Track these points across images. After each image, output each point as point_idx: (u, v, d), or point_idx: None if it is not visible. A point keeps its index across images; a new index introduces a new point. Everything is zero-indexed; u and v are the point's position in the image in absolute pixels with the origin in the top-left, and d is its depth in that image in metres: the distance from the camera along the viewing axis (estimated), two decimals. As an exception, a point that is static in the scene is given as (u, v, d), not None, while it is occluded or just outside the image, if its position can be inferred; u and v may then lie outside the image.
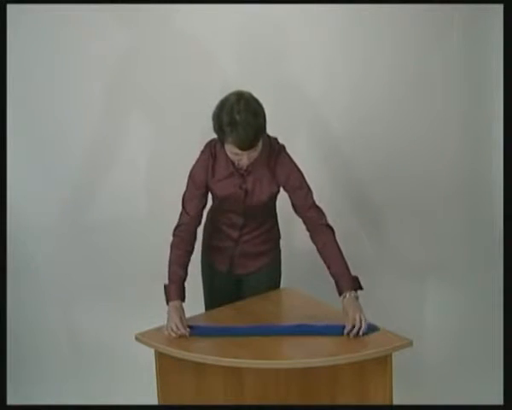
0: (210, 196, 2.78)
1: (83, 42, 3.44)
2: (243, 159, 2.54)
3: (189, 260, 2.71)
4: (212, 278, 2.92)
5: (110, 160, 3.58)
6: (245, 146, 2.48)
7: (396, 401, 2.52)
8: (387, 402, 2.49)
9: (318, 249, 2.66)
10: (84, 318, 3.68)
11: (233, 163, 2.63)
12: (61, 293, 3.69)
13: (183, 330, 2.53)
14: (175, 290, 2.63)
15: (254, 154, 2.55)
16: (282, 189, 2.74)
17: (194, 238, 2.75)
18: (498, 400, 3.08)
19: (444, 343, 3.62)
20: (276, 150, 2.68)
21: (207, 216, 2.87)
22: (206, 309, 2.92)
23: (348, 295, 2.55)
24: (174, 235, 2.73)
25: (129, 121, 3.55)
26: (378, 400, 2.53)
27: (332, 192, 3.60)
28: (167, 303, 2.63)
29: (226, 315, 2.70)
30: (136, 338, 2.57)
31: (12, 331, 3.47)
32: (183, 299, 2.64)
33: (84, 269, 3.67)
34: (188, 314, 2.68)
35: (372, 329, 2.51)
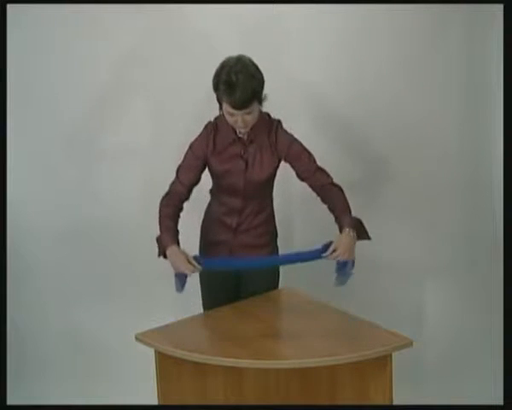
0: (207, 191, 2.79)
1: (83, 41, 3.44)
2: (238, 120, 2.60)
3: (178, 217, 2.73)
4: (210, 276, 2.92)
5: (110, 159, 3.58)
6: (237, 105, 2.55)
7: (396, 401, 2.52)
8: (387, 402, 2.49)
9: (325, 202, 2.73)
10: (85, 318, 3.68)
11: (235, 131, 2.69)
12: (61, 293, 3.69)
13: (194, 269, 2.59)
14: (170, 237, 2.65)
15: (249, 117, 2.61)
16: (282, 165, 2.78)
17: (180, 213, 2.76)
18: (498, 400, 3.08)
19: (444, 343, 3.63)
20: (274, 124, 2.76)
21: (205, 212, 2.89)
22: (205, 309, 2.91)
23: (347, 230, 2.61)
24: (162, 203, 2.75)
25: (130, 121, 3.55)
26: (378, 400, 2.53)
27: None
28: (163, 254, 2.66)
29: (225, 315, 2.71)
30: (137, 338, 2.57)
31: (12, 331, 3.47)
32: (178, 243, 2.66)
33: (84, 269, 3.67)
34: (187, 315, 2.68)
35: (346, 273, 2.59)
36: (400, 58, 3.48)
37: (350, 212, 2.69)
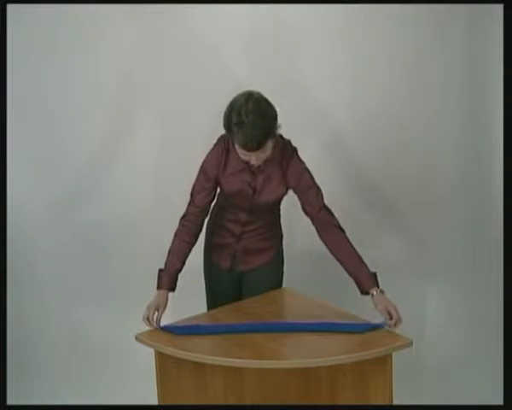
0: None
1: (84, 42, 3.44)
2: (252, 159, 2.56)
3: (189, 251, 2.74)
4: (214, 277, 2.92)
5: (111, 160, 3.58)
6: (251, 147, 2.48)
7: (396, 401, 2.52)
8: (387, 402, 2.49)
9: (330, 250, 2.66)
10: (84, 318, 3.68)
11: (245, 161, 2.64)
12: (61, 293, 3.69)
13: (150, 326, 2.59)
14: (165, 280, 2.68)
15: (263, 155, 2.56)
16: (290, 191, 2.75)
17: (200, 230, 2.78)
18: (498, 400, 3.08)
19: (444, 344, 3.62)
20: (288, 152, 2.69)
21: (210, 214, 2.87)
22: (209, 309, 2.92)
23: (375, 292, 2.57)
24: (180, 223, 2.75)
25: (130, 121, 3.55)
26: (378, 400, 2.53)
27: (332, 191, 3.60)
28: (157, 289, 2.69)
29: (226, 315, 2.70)
30: (137, 338, 2.57)
31: (12, 332, 3.47)
32: (172, 289, 2.69)
33: (83, 269, 3.67)
34: (190, 314, 2.68)
35: (375, 327, 2.53)
36: (400, 58, 3.48)
37: (365, 265, 2.61)
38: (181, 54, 3.47)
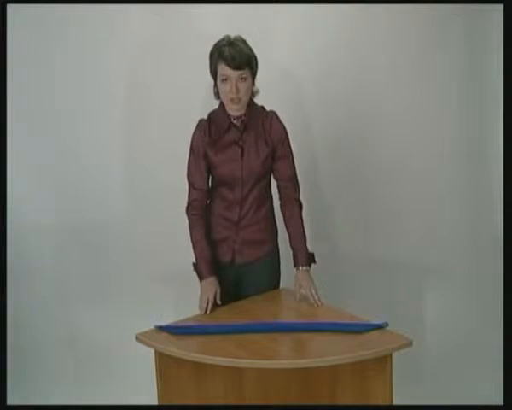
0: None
1: (84, 41, 3.44)
2: (232, 88, 2.63)
3: (209, 235, 2.83)
4: None
5: (111, 160, 3.58)
6: (234, 62, 2.60)
7: (396, 401, 2.52)
8: (387, 402, 2.49)
9: (284, 221, 2.86)
10: (84, 318, 3.68)
11: (229, 118, 2.72)
12: (60, 293, 3.69)
13: (206, 309, 2.71)
14: (206, 268, 2.78)
15: (242, 86, 2.65)
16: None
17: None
18: (498, 400, 3.08)
19: (444, 343, 3.62)
20: (270, 114, 2.81)
21: (207, 212, 2.88)
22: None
23: (301, 268, 2.81)
24: (188, 215, 2.83)
25: (131, 121, 3.55)
26: (378, 400, 2.52)
27: (332, 191, 3.61)
28: (200, 281, 2.78)
29: (226, 315, 2.71)
30: (137, 338, 2.57)
31: (12, 332, 3.46)
32: (216, 274, 2.78)
33: (83, 269, 3.67)
34: (190, 314, 2.68)
35: (375, 326, 2.52)
36: (400, 58, 3.48)
37: (305, 244, 2.82)
38: (182, 54, 3.47)
